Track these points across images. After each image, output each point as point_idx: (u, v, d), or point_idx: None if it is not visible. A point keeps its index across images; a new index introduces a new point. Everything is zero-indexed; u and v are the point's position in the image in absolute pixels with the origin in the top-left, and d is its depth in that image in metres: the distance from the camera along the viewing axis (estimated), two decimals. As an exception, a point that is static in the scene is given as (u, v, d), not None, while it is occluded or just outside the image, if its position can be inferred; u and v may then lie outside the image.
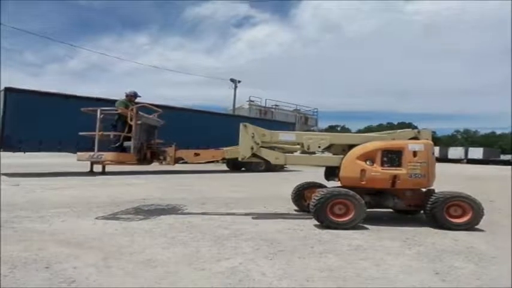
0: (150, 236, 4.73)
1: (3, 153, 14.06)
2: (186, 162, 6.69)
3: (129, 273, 3.35)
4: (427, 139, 6.15)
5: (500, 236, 5.26)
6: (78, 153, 6.88)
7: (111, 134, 6.82)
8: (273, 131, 6.52)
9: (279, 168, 17.89)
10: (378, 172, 5.70)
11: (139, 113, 6.70)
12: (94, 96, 15.22)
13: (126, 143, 6.61)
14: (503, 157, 52.85)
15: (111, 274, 3.30)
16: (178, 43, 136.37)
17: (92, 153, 6.55)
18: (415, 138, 6.18)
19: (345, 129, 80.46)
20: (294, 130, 23.53)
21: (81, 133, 6.93)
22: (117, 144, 6.70)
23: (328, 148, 6.44)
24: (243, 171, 18.33)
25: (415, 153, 5.73)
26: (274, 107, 34.63)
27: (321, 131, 39.97)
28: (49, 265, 3.47)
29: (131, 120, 6.47)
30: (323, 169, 6.69)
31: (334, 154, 6.48)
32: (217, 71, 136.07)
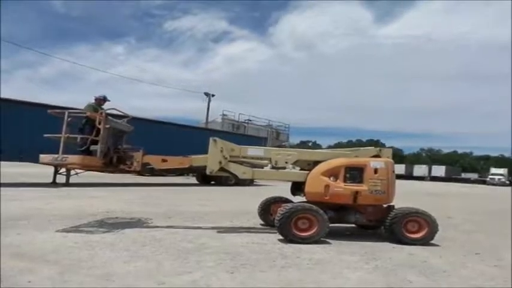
0: (111, 250, 4.64)
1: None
2: (153, 171, 6.62)
3: (86, 287, 3.28)
4: (388, 157, 6.43)
5: (453, 250, 5.55)
6: (41, 155, 6.62)
7: (78, 136, 6.65)
8: (242, 146, 6.63)
9: (248, 182, 17.93)
10: (341, 188, 5.89)
11: (108, 117, 6.60)
12: (60, 105, 14.75)
13: (92, 147, 6.45)
14: (464, 175, 55.63)
15: (67, 288, 3.23)
16: (155, 55, 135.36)
17: (55, 156, 6.31)
18: (377, 155, 6.45)
19: (316, 145, 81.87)
20: (265, 145, 23.77)
21: (46, 135, 6.73)
22: (83, 148, 6.55)
23: (295, 163, 6.61)
24: (213, 185, 18.25)
25: (376, 171, 5.97)
26: (247, 121, 34.87)
27: (292, 146, 40.58)
28: (2, 279, 3.34)
29: (99, 123, 6.35)
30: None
31: (301, 169, 6.64)
32: (193, 84, 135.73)
